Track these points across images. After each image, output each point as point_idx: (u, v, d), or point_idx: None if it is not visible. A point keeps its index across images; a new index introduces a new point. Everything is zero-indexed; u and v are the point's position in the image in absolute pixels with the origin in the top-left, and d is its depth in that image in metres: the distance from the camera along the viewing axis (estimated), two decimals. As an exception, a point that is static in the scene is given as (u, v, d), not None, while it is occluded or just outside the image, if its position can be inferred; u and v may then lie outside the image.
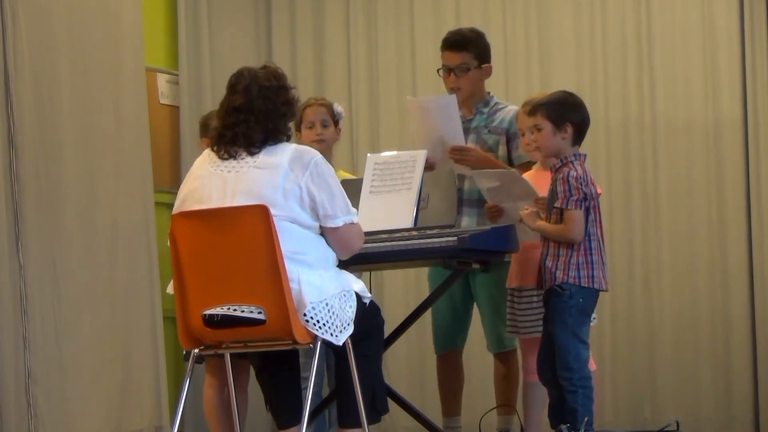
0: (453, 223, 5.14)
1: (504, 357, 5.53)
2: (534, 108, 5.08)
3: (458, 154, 5.45)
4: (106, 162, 6.46)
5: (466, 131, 5.57)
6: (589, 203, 4.94)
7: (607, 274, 5.01)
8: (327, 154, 5.62)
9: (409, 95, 6.93)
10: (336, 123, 5.69)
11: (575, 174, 4.93)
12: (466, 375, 5.79)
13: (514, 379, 5.55)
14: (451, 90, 5.61)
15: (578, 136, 5.03)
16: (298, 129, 5.69)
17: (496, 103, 5.67)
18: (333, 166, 5.58)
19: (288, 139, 4.47)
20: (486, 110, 5.64)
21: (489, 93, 5.69)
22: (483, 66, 5.63)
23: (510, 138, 5.57)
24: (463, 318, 5.65)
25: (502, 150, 5.57)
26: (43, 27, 6.13)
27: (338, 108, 5.71)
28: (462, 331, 5.67)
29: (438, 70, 5.67)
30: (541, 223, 4.98)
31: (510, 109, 5.62)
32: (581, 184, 4.91)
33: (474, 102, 5.64)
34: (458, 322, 5.63)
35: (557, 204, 4.93)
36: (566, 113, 5.00)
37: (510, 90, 7.31)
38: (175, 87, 7.27)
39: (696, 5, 7.28)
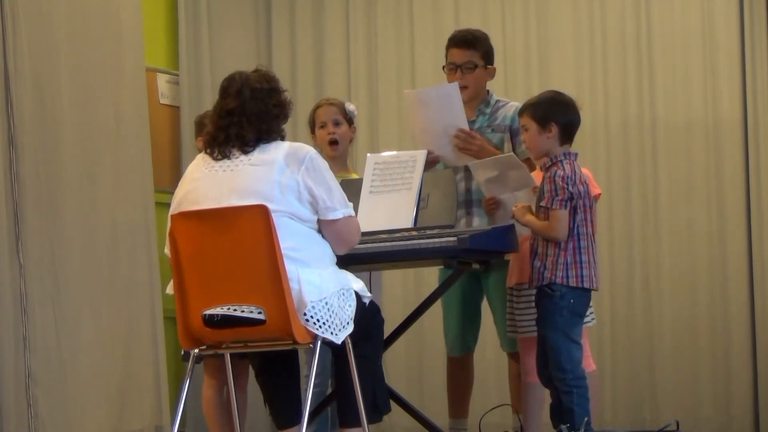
0: (453, 223, 5.14)
1: (518, 356, 5.53)
2: (522, 109, 5.13)
3: (463, 141, 5.44)
4: (106, 162, 6.46)
5: None
6: (576, 202, 4.94)
7: (598, 273, 5.02)
8: (343, 153, 5.67)
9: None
10: (350, 122, 5.71)
11: (562, 173, 4.94)
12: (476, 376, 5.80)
13: None
14: None
15: (566, 136, 5.04)
16: (312, 131, 5.72)
17: (497, 101, 5.68)
18: (347, 167, 5.67)
19: (282, 140, 4.48)
20: (488, 110, 5.65)
21: (488, 91, 5.70)
22: (488, 67, 5.64)
23: (513, 134, 5.57)
24: (476, 320, 5.64)
25: (507, 147, 5.58)
26: (43, 27, 6.13)
27: (350, 107, 5.74)
28: (476, 332, 5.67)
29: (443, 67, 5.68)
30: (530, 218, 4.99)
31: (511, 105, 5.63)
32: (567, 184, 4.93)
33: (476, 104, 5.65)
34: (472, 324, 5.63)
35: (542, 203, 4.95)
36: (551, 113, 5.02)
37: (509, 90, 7.30)
38: (175, 87, 7.27)
39: (696, 5, 7.28)
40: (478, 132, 5.57)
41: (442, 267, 5.60)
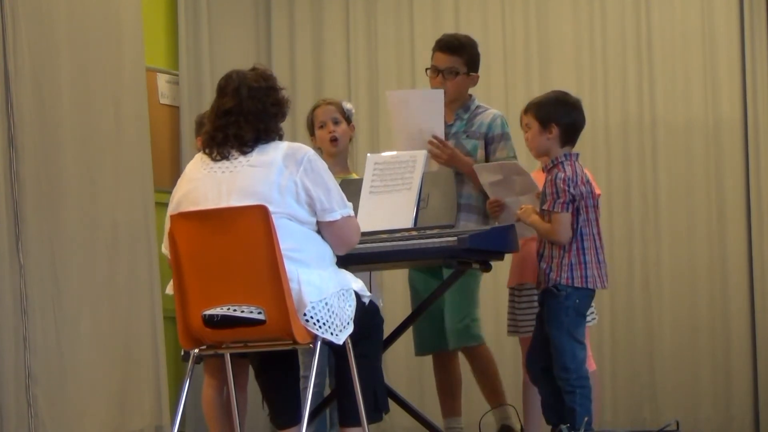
0: (453, 223, 5.14)
1: (475, 351, 5.54)
2: (527, 107, 5.12)
3: (436, 147, 5.45)
4: (106, 162, 6.47)
5: (446, 136, 5.57)
6: (578, 204, 4.94)
7: (605, 272, 5.01)
8: (343, 152, 5.67)
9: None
10: (348, 120, 5.72)
11: (563, 176, 4.94)
12: (463, 374, 5.78)
13: (487, 371, 5.55)
14: None
15: (567, 138, 5.03)
16: (312, 133, 5.72)
17: (477, 107, 5.68)
18: (347, 168, 5.68)
19: (280, 139, 4.47)
20: (466, 116, 5.65)
21: (470, 96, 5.70)
22: (471, 74, 5.63)
23: (488, 142, 5.59)
24: (440, 319, 5.60)
25: (480, 154, 5.58)
26: (43, 27, 6.13)
27: (347, 105, 5.76)
28: (443, 333, 5.62)
29: (426, 70, 5.68)
30: (536, 217, 4.99)
31: (489, 113, 5.64)
32: (568, 186, 4.92)
33: (455, 107, 5.65)
34: (434, 324, 5.59)
35: (545, 206, 4.95)
36: (554, 114, 5.01)
37: (509, 90, 7.31)
38: (175, 87, 7.27)
39: (696, 5, 7.27)
40: (453, 137, 5.57)
41: (410, 271, 5.61)
